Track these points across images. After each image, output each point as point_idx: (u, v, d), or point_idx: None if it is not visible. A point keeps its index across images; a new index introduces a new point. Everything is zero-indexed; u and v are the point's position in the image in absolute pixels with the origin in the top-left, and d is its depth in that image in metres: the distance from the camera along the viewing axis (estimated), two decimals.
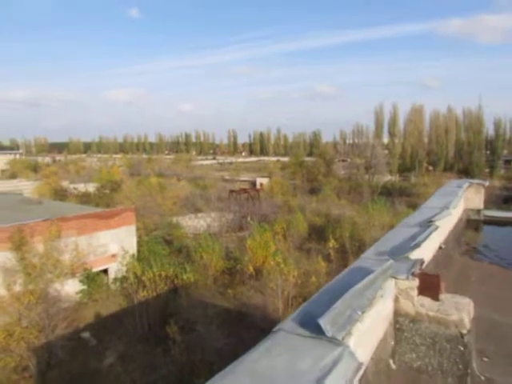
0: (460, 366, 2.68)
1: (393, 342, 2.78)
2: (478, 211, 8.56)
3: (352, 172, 57.81)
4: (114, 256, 22.19)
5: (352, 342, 1.99)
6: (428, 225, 4.25)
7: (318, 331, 2.02)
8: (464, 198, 8.30)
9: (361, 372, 1.88)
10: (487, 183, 9.08)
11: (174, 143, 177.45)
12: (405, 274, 2.75)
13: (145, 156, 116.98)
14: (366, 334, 2.21)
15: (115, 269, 22.02)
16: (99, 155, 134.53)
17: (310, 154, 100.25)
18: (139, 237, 25.37)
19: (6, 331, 13.60)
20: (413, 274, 2.80)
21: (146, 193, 39.68)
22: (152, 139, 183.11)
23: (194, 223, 33.68)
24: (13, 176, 63.88)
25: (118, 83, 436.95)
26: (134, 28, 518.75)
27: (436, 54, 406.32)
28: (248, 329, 17.20)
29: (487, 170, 66.16)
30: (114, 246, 22.47)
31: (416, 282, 2.76)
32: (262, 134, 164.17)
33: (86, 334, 17.11)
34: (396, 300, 2.79)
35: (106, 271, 22.34)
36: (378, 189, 50.68)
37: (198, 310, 17.54)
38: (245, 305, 19.26)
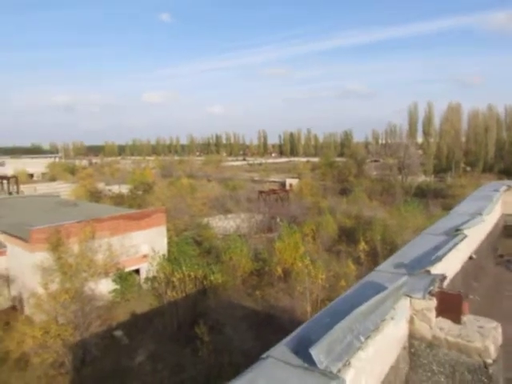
0: None
1: (407, 368, 2.48)
2: None
3: (384, 173, 56.25)
4: (145, 256, 22.72)
5: (350, 375, 1.76)
6: (455, 233, 3.94)
7: (311, 361, 1.78)
8: (502, 203, 7.77)
9: None
10: None
11: (204, 145, 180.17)
12: (421, 293, 2.47)
13: (176, 158, 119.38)
14: (373, 362, 1.97)
15: (146, 269, 22.54)
16: (133, 157, 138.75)
17: (341, 155, 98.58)
18: (169, 237, 25.82)
19: (43, 328, 14.15)
20: (430, 293, 2.49)
21: (176, 194, 40.39)
22: (183, 141, 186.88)
23: (223, 224, 33.93)
24: (52, 179, 67.01)
25: (151, 86, 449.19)
26: (166, 32, 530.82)
27: (475, 50, 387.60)
28: (275, 332, 17.05)
29: None
30: (145, 246, 22.99)
31: (434, 302, 2.47)
32: (292, 135, 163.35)
33: (118, 333, 17.58)
34: (411, 321, 2.50)
35: (137, 271, 22.91)
36: (411, 190, 49.13)
37: (226, 311, 17.64)
38: (273, 307, 19.16)
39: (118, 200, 41.28)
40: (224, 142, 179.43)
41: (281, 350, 2.00)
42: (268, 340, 15.41)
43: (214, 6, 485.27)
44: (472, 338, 2.38)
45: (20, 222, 21.32)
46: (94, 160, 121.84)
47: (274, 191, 46.24)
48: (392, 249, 24.78)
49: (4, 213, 25.28)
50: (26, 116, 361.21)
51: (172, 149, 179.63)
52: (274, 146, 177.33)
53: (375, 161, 65.08)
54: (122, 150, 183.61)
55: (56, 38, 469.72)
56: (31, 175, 73.31)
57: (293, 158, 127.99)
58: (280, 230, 27.36)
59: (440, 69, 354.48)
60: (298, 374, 1.77)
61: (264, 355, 1.98)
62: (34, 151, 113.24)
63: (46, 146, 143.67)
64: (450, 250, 3.23)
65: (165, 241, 24.61)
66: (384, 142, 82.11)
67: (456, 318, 2.49)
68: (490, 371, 2.34)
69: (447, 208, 33.19)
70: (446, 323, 2.50)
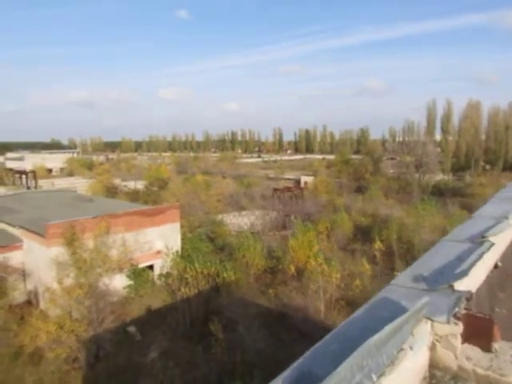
0: None
1: None
2: None
3: (401, 171, 55.14)
4: (159, 252, 22.77)
5: None
6: (481, 241, 3.60)
7: None
8: None
9: None
10: None
11: (220, 141, 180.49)
12: (445, 316, 2.12)
13: (192, 154, 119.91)
14: None
15: (160, 265, 22.60)
16: (149, 153, 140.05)
17: (357, 152, 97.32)
18: (183, 234, 25.84)
19: (58, 323, 14.26)
20: (455, 316, 2.13)
21: (191, 190, 40.46)
22: (199, 138, 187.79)
23: (237, 221, 33.84)
24: (70, 174, 68.16)
25: (167, 83, 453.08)
26: (183, 29, 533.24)
27: (495, 47, 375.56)
28: (288, 330, 16.88)
29: None
30: (159, 242, 23.04)
31: (460, 327, 2.11)
32: (307, 132, 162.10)
33: (131, 329, 17.64)
34: (432, 348, 2.15)
35: (151, 267, 22.98)
36: (428, 188, 48.09)
37: (239, 308, 17.50)
38: (286, 305, 18.95)
39: (134, 196, 41.65)
40: (239, 138, 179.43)
41: None
42: (281, 338, 15.14)
43: (230, 3, 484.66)
44: (505, 370, 2.02)
45: (36, 217, 21.61)
46: (111, 156, 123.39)
47: (288, 189, 45.92)
48: (409, 248, 24.24)
49: (21, 207, 25.71)
50: (46, 113, 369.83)
51: (188, 145, 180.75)
52: (289, 142, 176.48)
53: (392, 158, 63.78)
54: (138, 146, 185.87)
55: (74, 35, 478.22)
56: (50, 170, 74.66)
57: (308, 155, 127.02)
58: (294, 227, 27.07)
59: (457, 66, 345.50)
60: None
61: None
62: (54, 146, 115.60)
63: (64, 142, 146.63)
64: (477, 261, 2.88)
65: (179, 237, 24.63)
66: (401, 139, 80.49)
67: (486, 344, 2.14)
68: None
69: (465, 207, 32.35)
70: (473, 351, 2.15)
